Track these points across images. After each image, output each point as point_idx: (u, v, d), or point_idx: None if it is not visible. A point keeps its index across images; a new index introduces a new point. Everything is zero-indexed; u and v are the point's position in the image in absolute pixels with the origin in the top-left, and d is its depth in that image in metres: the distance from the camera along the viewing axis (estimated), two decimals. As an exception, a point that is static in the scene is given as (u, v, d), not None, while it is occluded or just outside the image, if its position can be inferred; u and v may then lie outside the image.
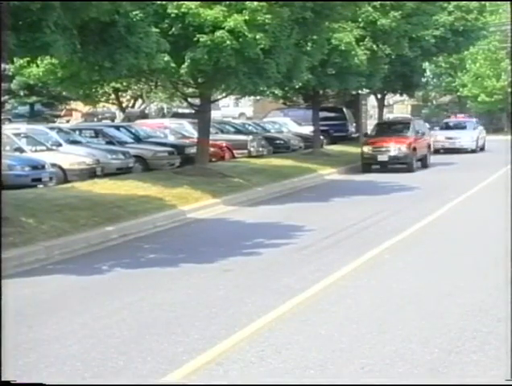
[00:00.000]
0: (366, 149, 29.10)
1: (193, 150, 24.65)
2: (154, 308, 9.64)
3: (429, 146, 31.66)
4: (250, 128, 35.07)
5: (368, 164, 28.99)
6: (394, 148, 28.70)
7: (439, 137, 39.51)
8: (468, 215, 17.86)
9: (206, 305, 9.66)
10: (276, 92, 31.79)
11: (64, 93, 33.66)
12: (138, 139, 27.12)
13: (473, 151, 38.93)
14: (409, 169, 28.42)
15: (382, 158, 28.70)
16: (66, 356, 7.69)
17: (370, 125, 45.99)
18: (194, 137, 26.02)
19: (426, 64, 46.12)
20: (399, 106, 68.56)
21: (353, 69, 27.75)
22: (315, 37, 22.62)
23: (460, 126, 41.55)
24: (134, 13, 15.54)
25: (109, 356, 7.65)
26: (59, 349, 7.95)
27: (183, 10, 19.13)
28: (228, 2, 19.61)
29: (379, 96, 42.06)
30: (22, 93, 42.24)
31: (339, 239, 14.40)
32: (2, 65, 14.29)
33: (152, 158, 24.86)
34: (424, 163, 30.61)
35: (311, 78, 25.72)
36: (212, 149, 25.39)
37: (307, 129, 35.97)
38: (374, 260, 12.42)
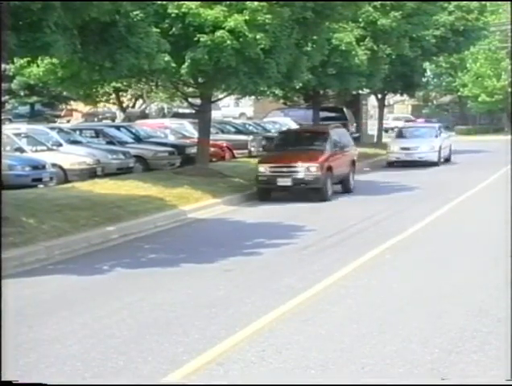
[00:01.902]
0: (263, 168, 20.80)
1: (194, 150, 24.65)
2: (154, 308, 9.64)
3: (353, 163, 23.31)
4: (251, 128, 35.07)
5: (265, 190, 20.88)
6: (301, 168, 20.56)
7: (394, 147, 32.62)
8: (468, 215, 17.85)
9: (206, 305, 9.66)
10: (276, 92, 31.78)
11: (64, 93, 33.69)
12: (138, 139, 27.13)
13: (435, 164, 31.59)
14: (321, 196, 20.52)
15: (284, 181, 20.52)
16: (66, 356, 7.68)
17: (371, 125, 46.06)
18: (194, 137, 26.02)
19: (426, 64, 46.07)
20: (400, 106, 68.63)
21: (353, 69, 27.75)
22: (315, 37, 22.62)
23: (418, 134, 34.44)
24: (134, 13, 15.55)
25: (110, 356, 7.65)
26: (60, 349, 7.95)
27: (183, 10, 19.13)
28: (228, 2, 19.62)
29: (380, 96, 42.07)
30: (22, 93, 42.24)
31: (339, 239, 14.41)
32: (2, 65, 14.26)
33: (152, 158, 24.87)
34: (346, 187, 22.48)
35: (312, 78, 25.70)
36: (212, 149, 25.38)
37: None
38: (375, 260, 12.42)
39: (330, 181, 21.00)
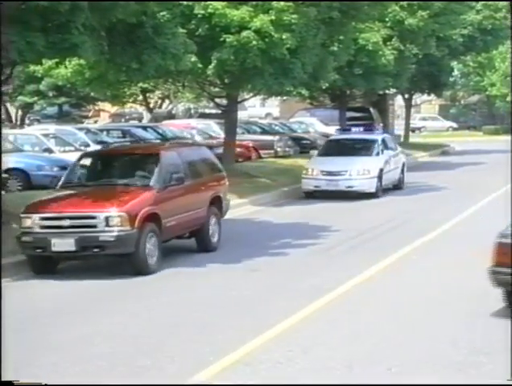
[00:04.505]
0: (29, 221, 11.81)
1: (220, 151, 24.65)
2: (180, 308, 9.66)
3: (216, 202, 14.12)
4: (277, 128, 35.04)
5: (39, 258, 11.92)
6: (95, 219, 11.66)
7: (312, 170, 21.28)
8: (496, 215, 17.65)
9: (233, 305, 9.67)
10: (303, 92, 31.72)
11: (91, 94, 33.82)
12: (165, 139, 27.21)
13: (372, 195, 20.76)
14: (135, 267, 11.71)
15: (63, 244, 11.50)
16: (91, 356, 7.71)
17: (398, 125, 45.80)
18: (221, 137, 26.03)
19: (454, 64, 45.75)
20: (427, 106, 68.14)
21: (380, 69, 27.66)
22: (341, 37, 22.56)
23: (350, 150, 22.29)
24: (161, 14, 15.60)
25: (135, 356, 7.67)
26: (85, 349, 7.98)
27: (209, 10, 19.16)
28: (254, 3, 19.63)
29: (406, 95, 41.84)
30: (50, 94, 42.52)
31: (365, 239, 14.34)
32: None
33: (179, 159, 24.86)
34: (203, 242, 13.57)
35: (338, 78, 25.63)
36: (238, 150, 25.33)
37: (334, 129, 35.90)
38: (401, 260, 12.36)
39: (156, 239, 12.03)
